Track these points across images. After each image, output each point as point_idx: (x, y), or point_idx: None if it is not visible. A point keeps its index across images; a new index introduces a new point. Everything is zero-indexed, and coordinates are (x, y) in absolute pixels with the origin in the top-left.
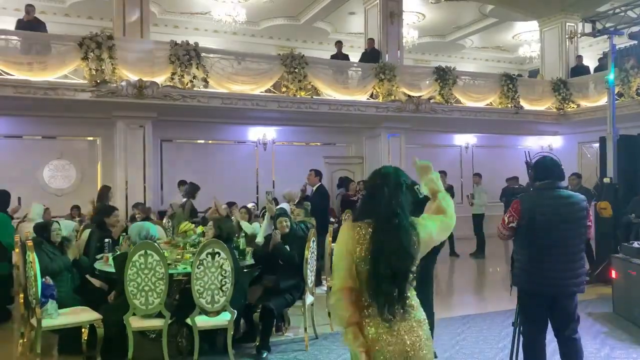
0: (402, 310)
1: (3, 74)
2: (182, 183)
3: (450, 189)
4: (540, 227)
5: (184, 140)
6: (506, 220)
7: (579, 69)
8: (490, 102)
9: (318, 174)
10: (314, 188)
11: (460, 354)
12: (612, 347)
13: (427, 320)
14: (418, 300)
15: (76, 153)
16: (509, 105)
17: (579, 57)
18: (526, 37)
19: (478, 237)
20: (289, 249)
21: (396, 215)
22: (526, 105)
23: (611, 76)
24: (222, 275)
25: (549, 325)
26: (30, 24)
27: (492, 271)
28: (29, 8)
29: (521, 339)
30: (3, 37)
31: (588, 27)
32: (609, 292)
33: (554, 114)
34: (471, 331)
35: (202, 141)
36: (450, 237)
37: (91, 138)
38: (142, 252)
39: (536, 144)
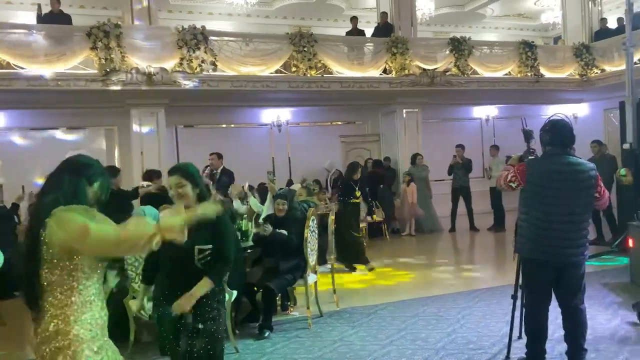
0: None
1: (16, 67)
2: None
3: (469, 163)
4: (546, 194)
5: (198, 125)
6: (508, 177)
7: (604, 33)
8: (509, 72)
9: (220, 156)
10: (219, 171)
11: (464, 328)
12: (624, 318)
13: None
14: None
15: (95, 142)
16: (529, 74)
17: (603, 20)
18: (548, 2)
19: (496, 211)
20: (287, 232)
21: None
22: (547, 73)
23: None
24: None
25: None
26: (52, 16)
27: (510, 244)
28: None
29: (524, 310)
30: (18, 31)
31: None
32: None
33: (576, 80)
34: (479, 306)
35: (217, 125)
36: (469, 212)
37: (108, 127)
38: None
39: (560, 112)
